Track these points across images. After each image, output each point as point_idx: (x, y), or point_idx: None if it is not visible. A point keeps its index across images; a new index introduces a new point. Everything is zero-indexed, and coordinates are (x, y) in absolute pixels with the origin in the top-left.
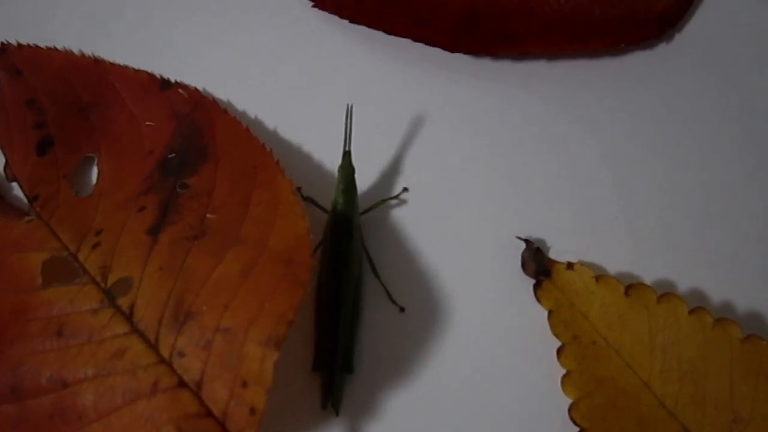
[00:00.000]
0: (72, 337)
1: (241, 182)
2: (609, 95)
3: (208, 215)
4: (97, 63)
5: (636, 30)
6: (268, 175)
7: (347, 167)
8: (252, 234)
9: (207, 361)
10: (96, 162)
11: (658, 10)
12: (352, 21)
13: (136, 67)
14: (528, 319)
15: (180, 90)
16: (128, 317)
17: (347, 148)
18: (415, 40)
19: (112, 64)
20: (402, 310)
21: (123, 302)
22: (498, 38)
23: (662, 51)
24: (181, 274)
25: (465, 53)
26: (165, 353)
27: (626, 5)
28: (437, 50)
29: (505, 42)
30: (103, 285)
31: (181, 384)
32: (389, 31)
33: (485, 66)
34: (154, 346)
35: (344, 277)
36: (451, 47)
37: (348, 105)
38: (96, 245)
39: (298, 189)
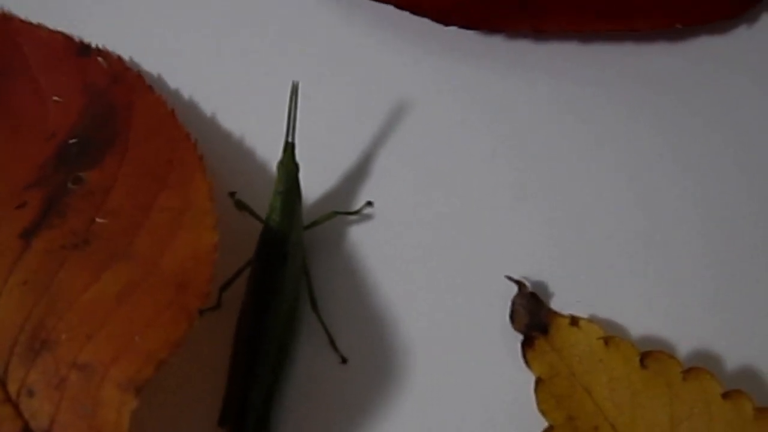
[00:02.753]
0: None
1: (149, 181)
2: (655, 88)
3: (97, 219)
4: (5, 19)
5: (702, 6)
6: (184, 174)
7: (288, 163)
8: (144, 248)
9: (59, 404)
10: None
11: None
12: None
13: (52, 27)
14: (513, 389)
15: (99, 59)
16: None
17: (290, 139)
18: (397, 6)
19: (24, 22)
20: (344, 361)
21: None
22: (515, 7)
23: (739, 35)
24: (48, 292)
25: (461, 27)
26: (12, 390)
27: None
28: (426, 21)
29: (519, 13)
30: None
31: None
32: None
33: (495, 45)
34: (1, 380)
35: (270, 309)
36: (444, 19)
37: (293, 82)
38: None
39: (232, 194)
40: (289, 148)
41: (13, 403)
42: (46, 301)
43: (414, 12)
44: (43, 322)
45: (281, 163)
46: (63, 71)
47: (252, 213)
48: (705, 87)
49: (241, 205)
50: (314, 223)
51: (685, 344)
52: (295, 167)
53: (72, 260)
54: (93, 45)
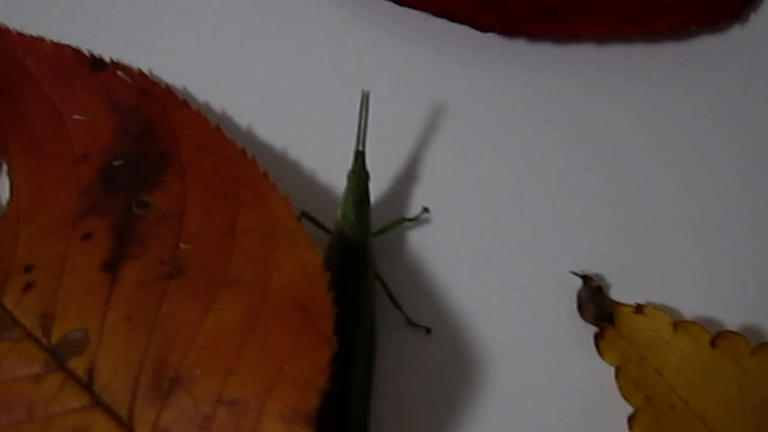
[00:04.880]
0: (4, 414)
1: (220, 201)
2: (674, 88)
3: (181, 245)
4: (1, 33)
5: (706, 9)
6: (255, 192)
7: (360, 173)
8: (246, 271)
9: None
10: (6, 170)
11: None
12: None
13: (55, 40)
14: (588, 377)
15: (119, 73)
16: (86, 385)
17: (361, 148)
18: (434, 14)
19: (22, 36)
20: (428, 331)
21: (77, 365)
22: (536, 13)
23: (737, 35)
24: (158, 327)
25: (499, 33)
26: None
27: None
28: (459, 28)
29: (545, 19)
30: (45, 341)
31: None
32: (397, 0)
33: (520, 49)
34: (127, 425)
35: (357, 320)
36: (481, 24)
37: (363, 92)
38: (29, 286)
39: None
40: (360, 157)
41: None
42: (160, 337)
43: (451, 20)
44: (165, 358)
45: (353, 172)
46: (79, 87)
47: (319, 225)
48: (710, 83)
49: (306, 217)
50: (382, 230)
51: (733, 322)
52: (366, 175)
53: (172, 291)
54: (106, 58)
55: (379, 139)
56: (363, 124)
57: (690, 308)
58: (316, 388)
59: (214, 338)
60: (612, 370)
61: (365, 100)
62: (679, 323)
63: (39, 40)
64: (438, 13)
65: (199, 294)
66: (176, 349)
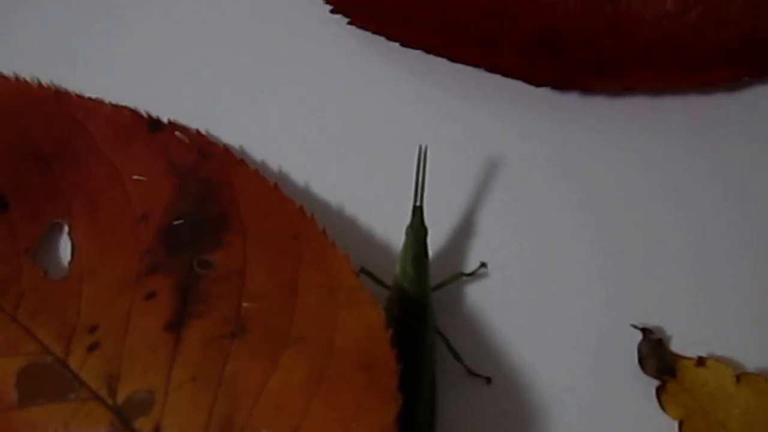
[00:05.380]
0: None
1: (281, 259)
2: (731, 141)
3: (244, 304)
4: (59, 97)
5: (759, 60)
6: (315, 250)
7: (419, 228)
8: (309, 329)
9: None
10: (67, 231)
11: None
12: (403, 44)
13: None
14: (650, 431)
15: (177, 133)
16: None
17: (419, 203)
18: (488, 69)
19: (81, 98)
20: (489, 381)
21: (143, 425)
22: (588, 68)
23: None
24: (223, 385)
25: (552, 87)
26: None
27: (745, 27)
28: (512, 82)
29: (597, 73)
30: (111, 401)
31: None
32: (452, 58)
33: (573, 103)
34: None
35: (419, 376)
36: (534, 79)
37: (421, 147)
38: (93, 346)
39: None
40: (418, 212)
41: None
42: (225, 395)
43: (505, 75)
44: (232, 417)
45: (411, 228)
46: (137, 148)
47: (377, 281)
48: None
49: (365, 273)
50: (440, 285)
51: None
52: (425, 231)
53: (236, 350)
54: (164, 119)
55: (437, 195)
56: (421, 179)
57: (752, 360)
58: None
59: (280, 396)
60: (675, 425)
61: (423, 154)
62: (741, 375)
63: (98, 103)
64: (492, 69)
65: (263, 352)
66: (242, 407)
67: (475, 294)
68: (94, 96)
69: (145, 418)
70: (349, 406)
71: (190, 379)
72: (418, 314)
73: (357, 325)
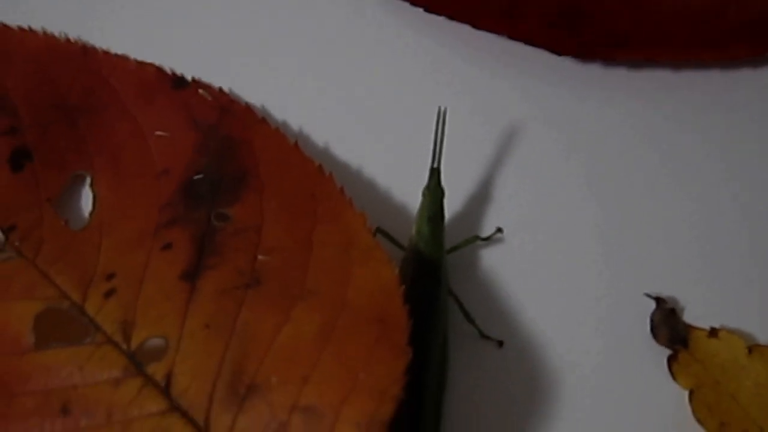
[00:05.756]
0: (84, 417)
1: (298, 216)
2: (751, 118)
3: (259, 257)
4: (86, 52)
5: None
6: (332, 208)
7: (435, 189)
8: (323, 284)
9: None
10: (89, 183)
11: None
12: (427, 10)
13: (138, 59)
14: (661, 399)
15: (201, 91)
16: (164, 390)
17: (436, 165)
18: (510, 37)
19: (107, 54)
20: (500, 344)
21: (155, 370)
22: (611, 39)
23: None
24: (236, 335)
25: (574, 57)
26: None
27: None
28: (535, 51)
29: (619, 44)
30: (125, 347)
31: None
32: (475, 25)
33: (595, 73)
34: (203, 430)
35: (431, 335)
36: (557, 48)
37: (440, 108)
38: (110, 293)
39: None
40: (435, 173)
41: None
42: (237, 344)
43: (528, 43)
44: (243, 366)
45: (428, 189)
46: (160, 105)
47: (393, 240)
48: None
49: (381, 233)
50: (455, 248)
51: None
52: (441, 192)
53: (250, 301)
54: (188, 77)
55: (455, 158)
56: (439, 141)
57: (765, 332)
58: (391, 397)
59: (291, 347)
60: (686, 394)
61: (442, 116)
62: (754, 347)
63: (123, 59)
64: (515, 36)
65: (276, 304)
66: (253, 356)
67: (490, 258)
68: (120, 52)
69: (158, 364)
70: (360, 358)
71: (203, 327)
72: (432, 275)
73: (370, 282)
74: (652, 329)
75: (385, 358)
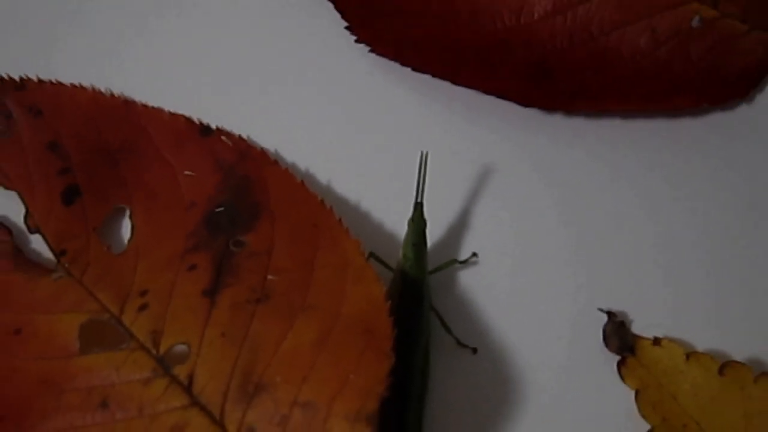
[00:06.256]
0: (119, 410)
1: (302, 243)
2: (691, 157)
3: (269, 277)
4: (127, 105)
5: (718, 89)
6: (331, 236)
7: (419, 220)
8: (321, 299)
9: None
10: (128, 215)
11: (740, 68)
12: (414, 69)
13: (171, 110)
14: (611, 399)
15: (223, 137)
16: (187, 388)
17: (419, 200)
18: (485, 92)
19: (145, 107)
20: (474, 351)
21: (180, 371)
22: (572, 93)
23: (743, 113)
24: (247, 342)
25: (540, 108)
26: (232, 430)
27: (707, 63)
28: (506, 103)
29: (579, 97)
30: (155, 352)
31: None
32: (455, 81)
33: (558, 122)
34: (218, 422)
35: (415, 344)
36: (525, 101)
37: (422, 152)
38: (143, 307)
39: None
40: (419, 207)
41: None
42: (248, 350)
43: (498, 96)
44: (252, 368)
45: (412, 220)
46: (189, 150)
47: (384, 263)
48: (721, 154)
49: (374, 257)
50: (436, 269)
51: (740, 354)
52: (424, 223)
53: (260, 313)
54: (212, 126)
55: (437, 195)
56: (422, 179)
57: (701, 341)
58: (375, 395)
59: (293, 352)
60: (633, 394)
61: (424, 160)
62: (691, 354)
63: (158, 110)
64: (487, 91)
65: (281, 316)
66: (261, 360)
67: (467, 278)
68: (154, 105)
69: (182, 366)
70: (350, 362)
71: (220, 336)
72: (416, 293)
73: (361, 297)
74: (605, 339)
75: (372, 362)
